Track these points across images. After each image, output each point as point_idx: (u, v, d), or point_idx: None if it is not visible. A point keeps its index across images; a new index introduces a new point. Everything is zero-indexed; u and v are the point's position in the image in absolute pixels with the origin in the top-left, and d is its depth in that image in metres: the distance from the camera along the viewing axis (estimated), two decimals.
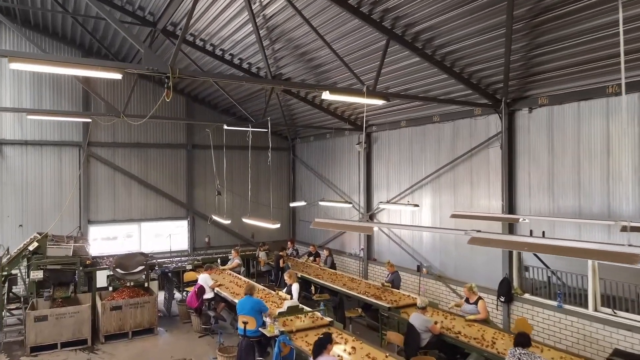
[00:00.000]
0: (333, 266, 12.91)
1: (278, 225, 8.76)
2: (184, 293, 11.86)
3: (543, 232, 8.30)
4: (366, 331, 10.06)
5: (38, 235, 10.38)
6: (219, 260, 13.09)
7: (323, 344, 5.51)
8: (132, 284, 10.59)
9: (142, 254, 11.94)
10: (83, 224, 13.67)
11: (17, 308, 10.95)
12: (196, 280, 10.66)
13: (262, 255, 13.87)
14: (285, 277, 9.25)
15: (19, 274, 11.45)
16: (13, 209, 12.91)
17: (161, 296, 12.53)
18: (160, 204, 14.97)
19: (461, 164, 10.25)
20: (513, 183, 8.98)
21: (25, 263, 10.31)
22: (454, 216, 8.35)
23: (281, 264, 12.59)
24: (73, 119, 12.87)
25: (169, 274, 12.32)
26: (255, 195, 15.93)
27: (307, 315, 7.68)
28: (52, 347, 9.18)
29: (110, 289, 10.62)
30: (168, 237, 14.16)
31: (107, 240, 14.49)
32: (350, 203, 11.92)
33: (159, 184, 14.88)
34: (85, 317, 9.46)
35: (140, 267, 10.64)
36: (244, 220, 10.34)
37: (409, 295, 9.23)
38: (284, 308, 7.45)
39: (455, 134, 10.44)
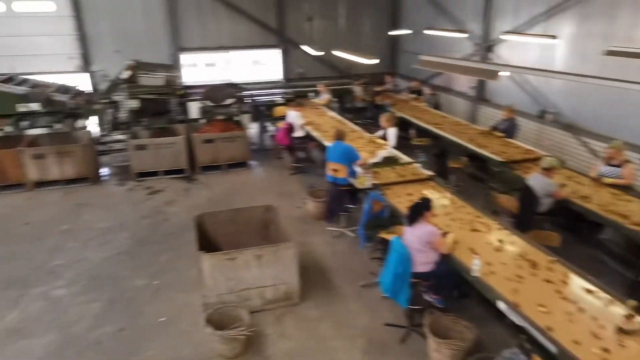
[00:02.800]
0: (437, 106, 11.51)
1: (376, 61, 7.37)
2: (276, 127, 11.47)
3: None
4: (469, 182, 9.09)
5: (132, 63, 10.09)
6: (312, 94, 12.25)
7: (420, 210, 4.65)
8: (222, 117, 10.29)
9: (232, 85, 11.44)
10: (175, 52, 13.25)
11: (123, 133, 11.42)
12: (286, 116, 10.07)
13: (358, 90, 12.74)
14: (382, 120, 8.19)
15: (121, 101, 11.73)
16: (108, 35, 12.67)
17: (254, 127, 12.36)
18: (250, 31, 13.86)
19: None
20: None
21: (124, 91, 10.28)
22: (610, 53, 6.27)
23: (378, 101, 11.46)
24: None
25: (261, 107, 11.87)
26: (352, 21, 14.05)
27: (405, 167, 6.79)
28: (154, 174, 9.55)
29: (203, 121, 10.44)
30: (260, 66, 13.35)
31: (204, 67, 14.11)
32: (465, 32, 9.81)
33: (247, 6, 13.54)
34: (181, 149, 9.51)
35: (230, 100, 10.18)
36: (335, 53, 9.00)
37: (528, 150, 7.82)
38: (378, 158, 6.58)
39: None
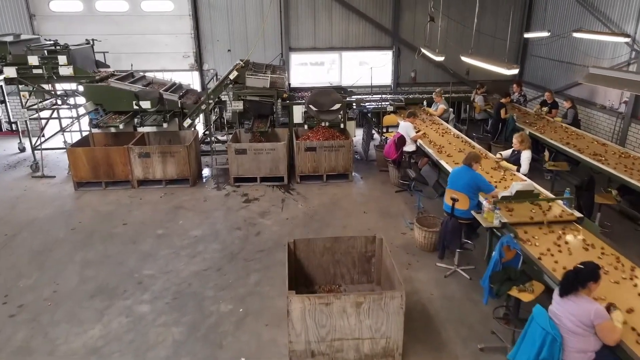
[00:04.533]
0: (576, 123, 9.72)
1: (516, 71, 6.09)
2: (383, 137, 10.54)
3: None
4: (619, 220, 7.39)
5: (241, 63, 9.82)
6: (424, 102, 11.12)
7: (583, 279, 3.42)
8: (327, 124, 9.59)
9: (339, 90, 10.72)
10: (284, 51, 12.90)
11: (226, 134, 11.26)
12: (396, 126, 9.09)
13: (478, 99, 11.32)
14: (515, 141, 6.81)
15: (227, 101, 11.63)
16: (221, 33, 12.69)
17: (359, 135, 11.53)
18: (363, 31, 13.05)
19: None
20: None
21: (230, 91, 10.08)
22: None
23: (502, 115, 9.98)
24: None
25: (368, 114, 11.02)
26: (478, 21, 12.57)
27: (544, 205, 5.47)
28: (252, 180, 9.15)
29: (306, 126, 9.84)
30: (368, 68, 12.49)
31: (312, 66, 13.65)
32: (626, 36, 8.02)
33: (362, 5, 12.74)
34: (281, 156, 8.99)
35: (336, 106, 9.45)
36: (464, 59, 7.80)
37: None
38: (510, 192, 5.35)
39: None
